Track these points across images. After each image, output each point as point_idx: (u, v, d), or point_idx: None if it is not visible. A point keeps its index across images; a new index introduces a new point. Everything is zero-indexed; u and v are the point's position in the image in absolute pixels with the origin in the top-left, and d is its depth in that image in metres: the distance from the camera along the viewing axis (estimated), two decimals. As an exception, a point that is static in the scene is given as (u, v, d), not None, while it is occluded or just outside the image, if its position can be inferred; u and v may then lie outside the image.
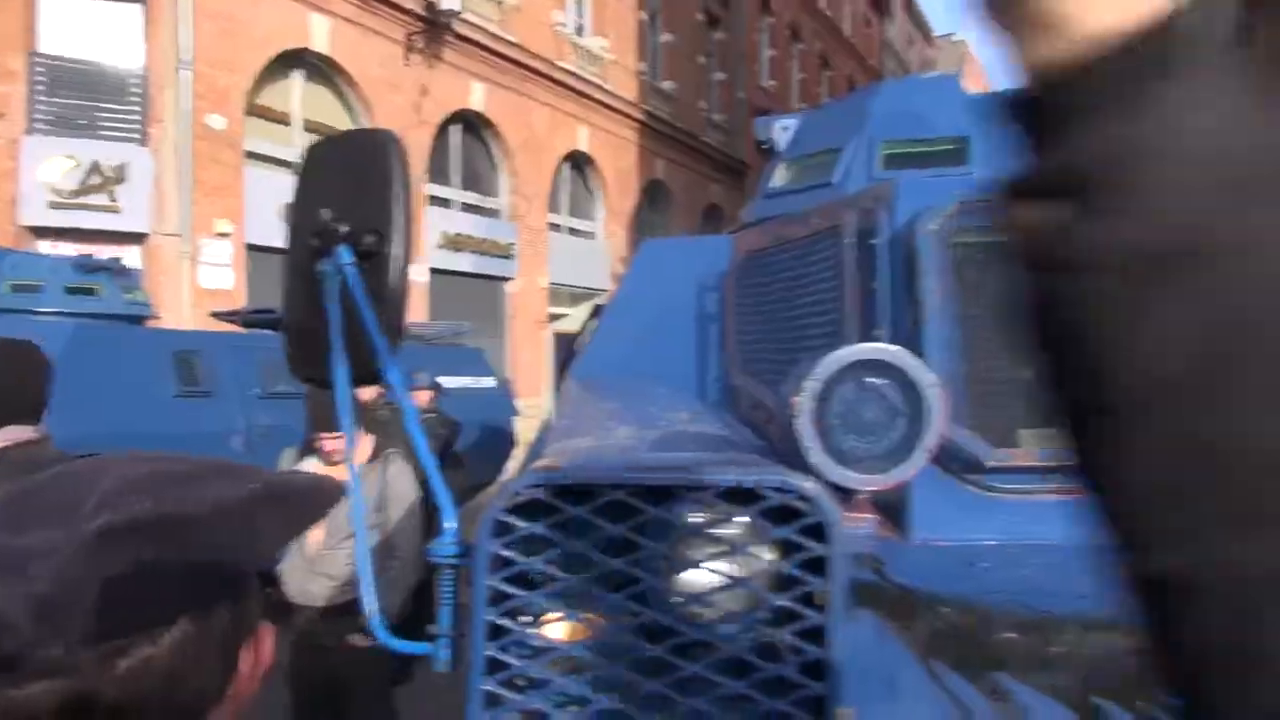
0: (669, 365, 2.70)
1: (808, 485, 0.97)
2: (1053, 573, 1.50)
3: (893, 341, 1.93)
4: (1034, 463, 1.66)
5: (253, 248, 12.65)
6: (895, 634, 1.27)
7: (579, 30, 19.22)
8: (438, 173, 16.04)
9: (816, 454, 1.55)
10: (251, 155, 12.91)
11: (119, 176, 11.41)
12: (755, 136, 3.89)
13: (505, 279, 17.20)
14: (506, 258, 17.19)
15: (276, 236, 13.10)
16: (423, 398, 6.95)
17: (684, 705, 0.94)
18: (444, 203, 16.24)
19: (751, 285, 2.55)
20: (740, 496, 0.98)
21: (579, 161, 19.61)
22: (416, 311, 14.70)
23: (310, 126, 13.87)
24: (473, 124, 16.85)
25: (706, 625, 0.97)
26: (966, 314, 1.92)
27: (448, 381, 8.29)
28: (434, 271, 15.49)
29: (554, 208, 18.89)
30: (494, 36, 16.39)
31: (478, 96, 16.50)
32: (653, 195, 21.74)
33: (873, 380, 1.57)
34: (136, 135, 11.60)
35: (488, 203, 17.33)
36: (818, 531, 0.97)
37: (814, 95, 28.79)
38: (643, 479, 0.95)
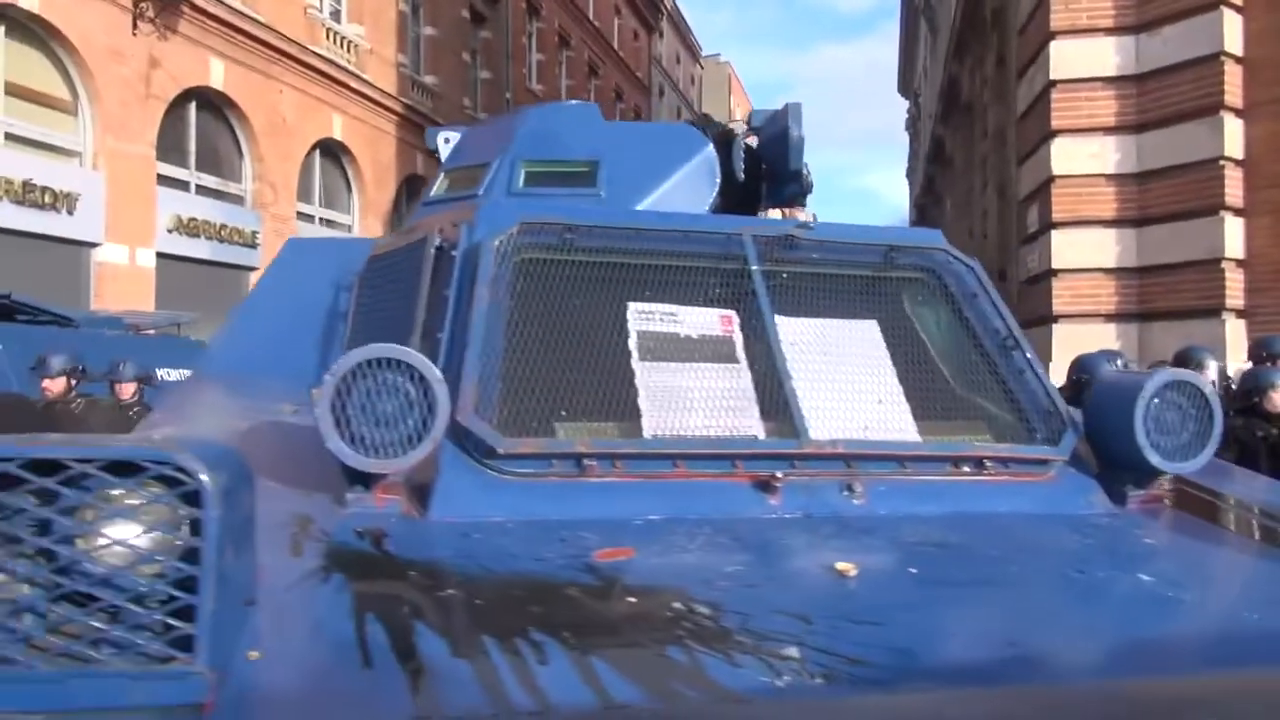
0: (302, 361, 2.82)
1: (184, 458, 1.16)
2: (527, 541, 1.78)
3: (450, 341, 2.17)
4: (542, 451, 1.95)
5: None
6: (352, 592, 1.49)
7: (335, 15, 18.64)
8: (171, 151, 15.04)
9: (332, 440, 1.76)
10: (-61, 117, 11.58)
11: None
12: (427, 145, 4.07)
13: (250, 268, 16.38)
14: (250, 246, 16.39)
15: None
16: (126, 390, 6.59)
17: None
18: (177, 183, 15.25)
19: (370, 287, 2.74)
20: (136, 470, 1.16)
21: (333, 151, 19.00)
22: (142, 298, 13.75)
23: (14, 90, 12.64)
24: (213, 103, 15.95)
25: (97, 577, 1.14)
26: (514, 320, 2.20)
27: (170, 374, 7.88)
28: (162, 256, 14.53)
29: (305, 197, 18.20)
30: (237, 13, 15.59)
31: (218, 74, 15.63)
32: (412, 189, 21.41)
33: (391, 376, 1.79)
34: None
35: (230, 187, 16.45)
36: (197, 498, 1.16)
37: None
38: (25, 454, 1.11)
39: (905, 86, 40.94)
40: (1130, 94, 10.38)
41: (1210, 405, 2.24)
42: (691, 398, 2.17)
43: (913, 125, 41.02)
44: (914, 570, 1.79)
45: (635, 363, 2.22)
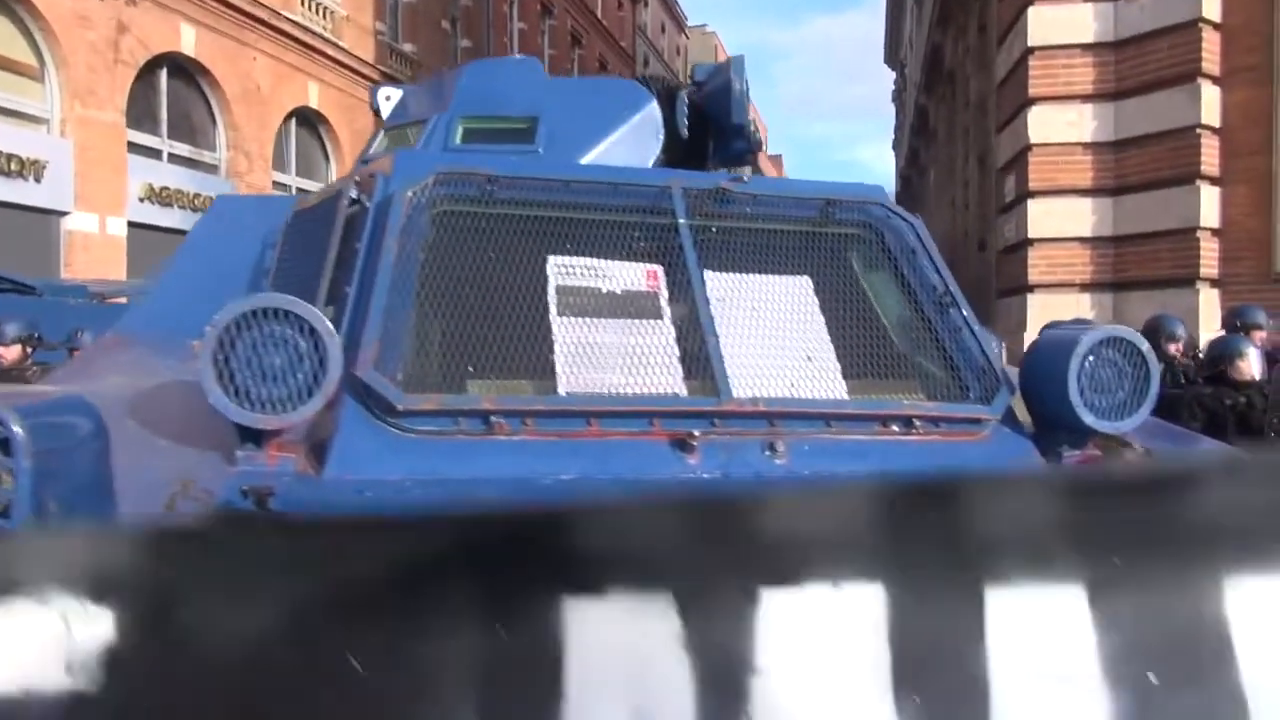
0: None
1: (-1, 411, 1.09)
2: (421, 499, 1.71)
3: (357, 296, 2.09)
4: (443, 407, 1.88)
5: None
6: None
7: (310, -19, 18.31)
8: (142, 119, 14.79)
9: (215, 395, 1.68)
10: (-100, 83, 11.33)
11: None
12: (370, 104, 3.97)
13: (222, 238, 16.13)
14: (223, 216, 16.15)
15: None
16: (9, 354, 6.22)
17: None
18: (149, 151, 15.01)
19: (290, 243, 2.65)
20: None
21: (309, 119, 18.73)
22: (113, 268, 13.56)
23: (-23, 55, 12.38)
24: (184, 70, 15.67)
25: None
26: (425, 274, 2.11)
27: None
28: (134, 225, 14.32)
29: (280, 166, 17.96)
30: (208, -22, 15.29)
31: (189, 40, 15.34)
32: (390, 160, 21.13)
33: (279, 328, 1.71)
34: None
35: (204, 156, 16.20)
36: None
37: (564, 72, 29.06)
38: None
39: (891, 57, 40.68)
40: (1108, 61, 10.28)
41: (1147, 363, 2.18)
42: (610, 354, 2.10)
43: (899, 97, 40.81)
44: None
45: (553, 318, 2.14)
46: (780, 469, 2.02)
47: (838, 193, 2.60)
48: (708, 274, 2.30)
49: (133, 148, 14.48)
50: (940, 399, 2.26)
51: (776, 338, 2.24)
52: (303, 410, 1.71)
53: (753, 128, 3.37)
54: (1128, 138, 10.18)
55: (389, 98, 3.71)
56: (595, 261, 2.25)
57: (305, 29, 17.74)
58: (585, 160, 3.13)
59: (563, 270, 2.22)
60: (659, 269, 2.29)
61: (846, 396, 2.19)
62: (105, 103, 13.88)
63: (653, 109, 3.33)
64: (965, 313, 2.39)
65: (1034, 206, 10.63)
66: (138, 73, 14.45)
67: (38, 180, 12.78)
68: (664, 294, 2.26)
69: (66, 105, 13.39)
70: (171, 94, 15.58)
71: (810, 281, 2.41)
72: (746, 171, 2.53)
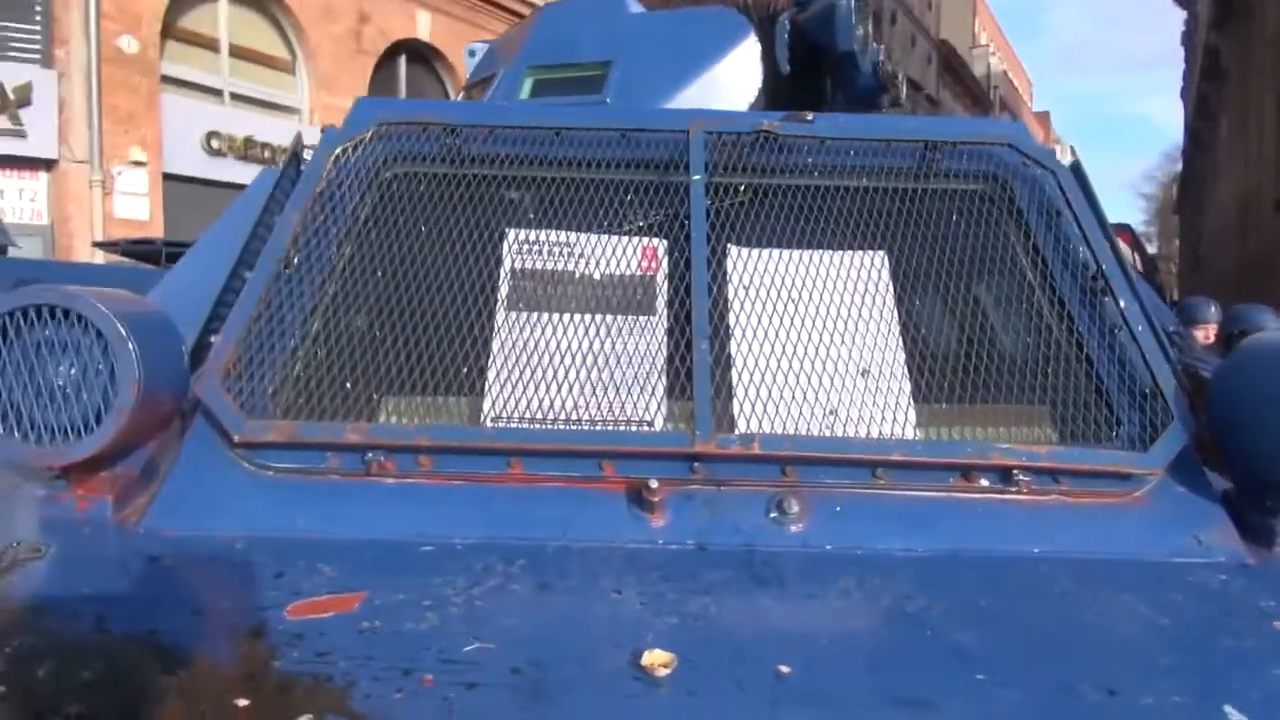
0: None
1: None
2: (233, 571, 1.24)
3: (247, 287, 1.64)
4: (294, 439, 1.38)
5: (171, 177, 12.32)
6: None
7: (538, -41, 18.55)
8: (381, 105, 15.58)
9: (-25, 420, 1.28)
10: (172, 81, 12.50)
11: (22, 98, 11.05)
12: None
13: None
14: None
15: (197, 166, 12.81)
16: None
17: None
18: (387, 136, 15.80)
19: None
20: None
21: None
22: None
23: (237, 52, 13.44)
24: (421, 55, 16.35)
25: None
26: (344, 255, 1.63)
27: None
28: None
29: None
30: (439, -37, 15.81)
31: (424, 26, 15.97)
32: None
33: (63, 332, 1.29)
34: (38, 56, 11.20)
35: (438, 137, 16.90)
36: None
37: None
38: None
39: (1182, -6, 35.73)
40: None
41: None
42: (565, 365, 1.52)
43: (1188, 39, 35.87)
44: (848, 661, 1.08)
45: (500, 314, 1.59)
46: (788, 540, 1.36)
47: (953, 134, 1.84)
48: (736, 251, 1.66)
49: (372, 132, 15.28)
50: (1071, 439, 1.49)
51: (819, 343, 1.56)
52: (88, 442, 1.29)
53: (884, 64, 2.60)
54: None
55: (473, 53, 3.27)
56: (568, 236, 1.67)
57: (534, 6, 18.00)
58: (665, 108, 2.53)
59: (525, 248, 1.66)
60: (660, 245, 1.68)
61: (913, 433, 1.48)
62: (349, 91, 14.72)
63: (751, 42, 2.65)
64: (1123, 303, 1.59)
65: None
66: (377, 60, 15.21)
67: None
68: (664, 279, 1.65)
69: (314, 95, 14.31)
70: (409, 79, 16.31)
71: (886, 260, 1.69)
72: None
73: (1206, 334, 4.59)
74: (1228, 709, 0.99)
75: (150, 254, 8.53)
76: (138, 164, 12.00)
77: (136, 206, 12.11)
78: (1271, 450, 1.36)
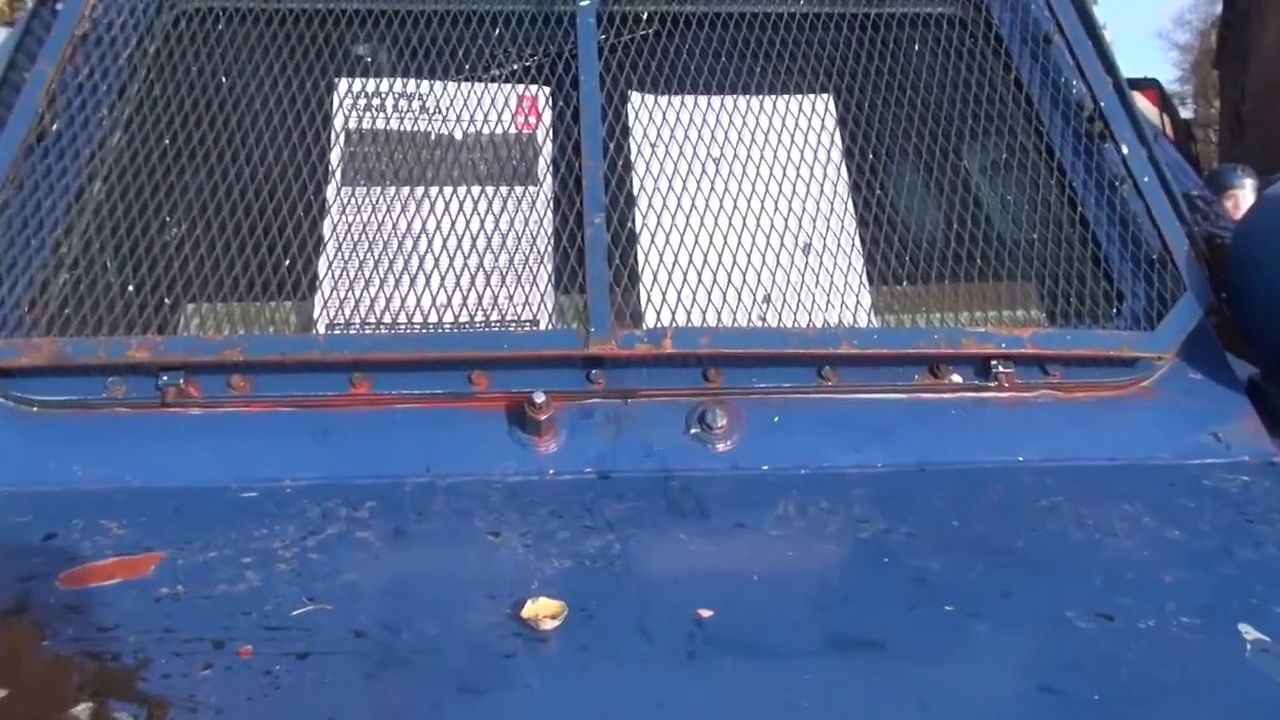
0: None
1: None
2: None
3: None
4: (62, 361, 1.03)
5: None
6: None
7: None
8: None
9: None
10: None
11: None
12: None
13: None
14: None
15: None
16: None
17: None
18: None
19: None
20: None
21: None
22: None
23: None
24: None
25: None
26: (126, 122, 1.25)
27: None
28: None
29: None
30: None
31: None
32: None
33: None
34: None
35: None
36: None
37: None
38: None
39: None
40: None
41: None
42: (420, 252, 1.18)
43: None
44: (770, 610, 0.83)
45: (332, 190, 1.23)
46: (713, 461, 1.07)
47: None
48: (634, 99, 1.31)
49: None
50: (1062, 321, 1.21)
51: (747, 212, 1.24)
52: None
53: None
54: None
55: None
56: (424, 86, 1.30)
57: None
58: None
59: (361, 103, 1.28)
60: (541, 94, 1.31)
61: (866, 321, 1.18)
62: None
63: None
64: (1125, 150, 1.27)
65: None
66: None
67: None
68: (544, 140, 1.29)
69: None
70: None
71: (831, 105, 1.35)
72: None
73: (1236, 203, 4.22)
74: (1243, 627, 0.80)
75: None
76: None
77: None
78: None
